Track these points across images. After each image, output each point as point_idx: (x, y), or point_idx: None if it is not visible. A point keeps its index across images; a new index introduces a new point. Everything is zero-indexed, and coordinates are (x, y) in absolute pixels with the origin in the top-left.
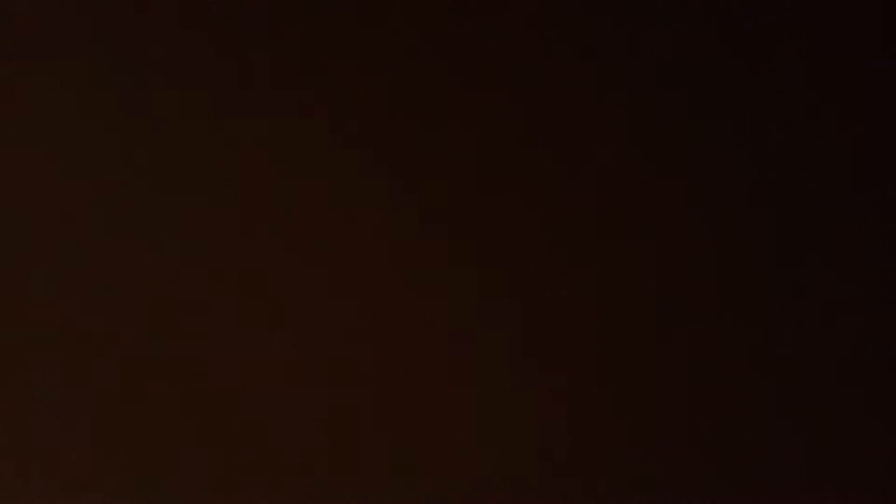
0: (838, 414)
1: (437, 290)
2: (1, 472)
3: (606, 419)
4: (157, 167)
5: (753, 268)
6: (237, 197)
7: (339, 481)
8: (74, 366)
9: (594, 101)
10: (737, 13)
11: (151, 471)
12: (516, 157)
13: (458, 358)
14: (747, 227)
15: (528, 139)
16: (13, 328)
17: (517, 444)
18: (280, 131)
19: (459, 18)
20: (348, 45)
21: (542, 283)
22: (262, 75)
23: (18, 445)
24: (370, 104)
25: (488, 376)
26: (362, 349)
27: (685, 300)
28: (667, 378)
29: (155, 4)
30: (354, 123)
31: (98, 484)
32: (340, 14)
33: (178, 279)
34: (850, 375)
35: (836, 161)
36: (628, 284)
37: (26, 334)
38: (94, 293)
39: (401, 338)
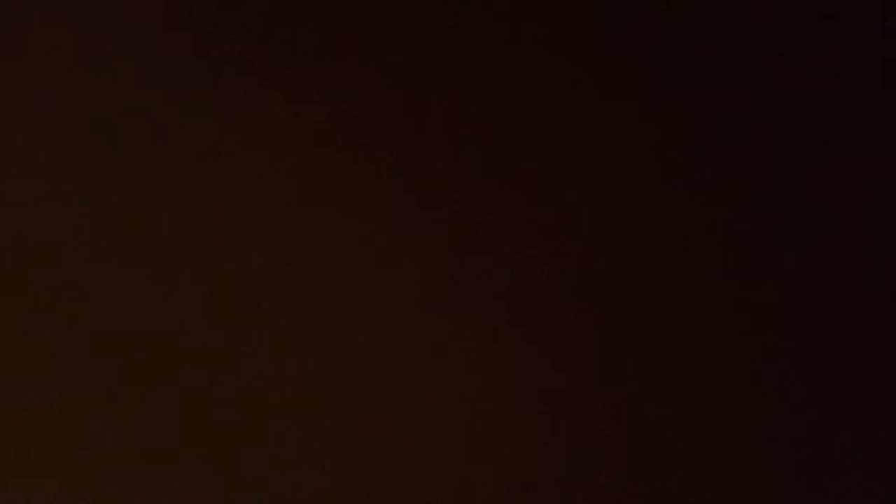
0: (838, 414)
1: (437, 293)
2: (1, 473)
3: (607, 422)
4: (157, 168)
5: (754, 267)
6: (236, 197)
7: (342, 488)
8: (73, 368)
9: (594, 101)
10: (737, 16)
11: (150, 477)
12: (516, 157)
13: (458, 360)
14: (747, 226)
15: (528, 139)
16: (12, 329)
17: (516, 446)
18: (280, 131)
19: (460, 18)
20: (349, 43)
21: (543, 285)
22: (260, 74)
23: (17, 446)
24: (370, 103)
25: (488, 378)
26: (361, 351)
27: (685, 301)
28: (667, 379)
29: (155, 4)
30: (354, 121)
31: (95, 485)
32: (341, 11)
33: (176, 281)
34: (851, 376)
35: (836, 162)
36: (629, 287)
37: (26, 336)
38: (92, 294)
39: (399, 339)
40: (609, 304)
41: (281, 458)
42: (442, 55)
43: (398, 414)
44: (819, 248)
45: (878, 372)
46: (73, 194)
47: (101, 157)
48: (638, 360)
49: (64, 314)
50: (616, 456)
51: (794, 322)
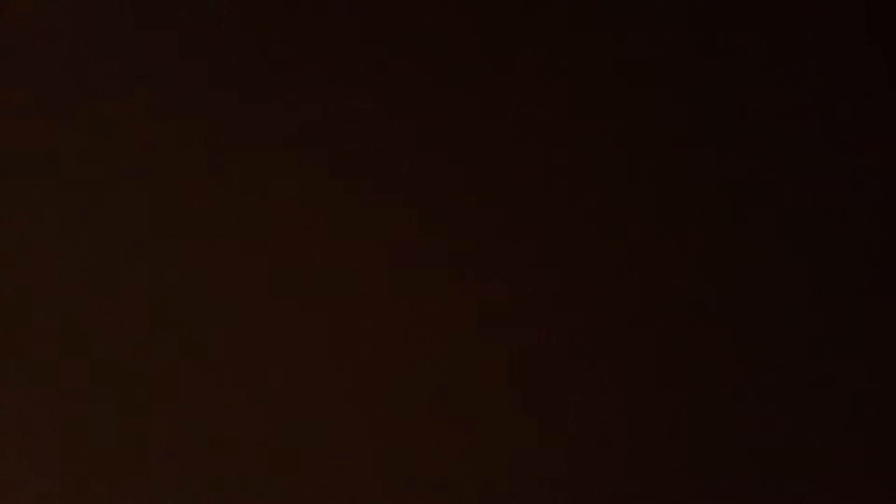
0: (838, 415)
1: (437, 301)
2: (2, 472)
3: (606, 425)
4: (157, 169)
5: (753, 269)
6: (236, 201)
7: (335, 489)
8: (73, 369)
9: (595, 106)
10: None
11: (149, 474)
12: (515, 159)
13: (458, 366)
14: (748, 228)
15: (527, 149)
16: (13, 329)
17: (516, 453)
18: (281, 137)
19: (460, 23)
20: (350, 52)
21: (543, 292)
22: (262, 80)
23: (18, 445)
24: (372, 109)
25: (487, 385)
26: (361, 357)
27: (685, 305)
28: (668, 382)
29: (156, 5)
30: (356, 129)
31: (95, 486)
32: (343, 20)
33: (175, 281)
34: (851, 377)
35: (835, 163)
36: (629, 292)
37: (26, 336)
38: (92, 295)
39: (400, 347)
40: (608, 307)
41: (278, 456)
42: (445, 60)
43: (397, 421)
44: (820, 249)
45: (878, 373)
46: (72, 194)
47: (101, 158)
48: (637, 362)
49: (64, 313)
50: (615, 458)
51: (795, 324)
